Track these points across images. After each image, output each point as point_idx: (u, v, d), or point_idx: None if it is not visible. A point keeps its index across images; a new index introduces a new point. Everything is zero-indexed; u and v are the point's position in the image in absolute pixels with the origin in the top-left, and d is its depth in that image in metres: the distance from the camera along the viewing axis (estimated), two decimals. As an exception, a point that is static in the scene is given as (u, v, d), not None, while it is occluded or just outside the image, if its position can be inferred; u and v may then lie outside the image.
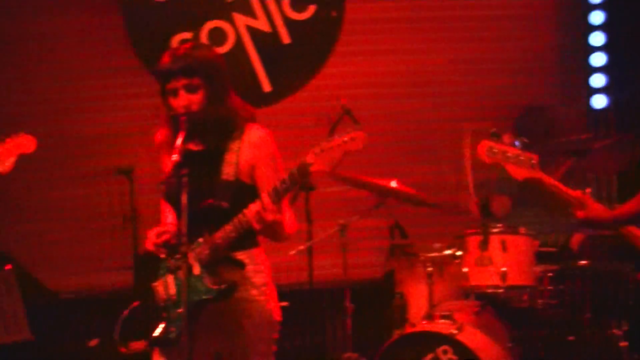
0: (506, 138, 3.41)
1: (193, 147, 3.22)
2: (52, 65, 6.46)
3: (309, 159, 3.00)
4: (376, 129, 6.02)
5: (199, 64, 3.19)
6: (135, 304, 3.42)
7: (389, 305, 5.00)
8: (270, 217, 3.05)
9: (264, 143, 3.27)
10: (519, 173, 3.44)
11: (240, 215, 3.09)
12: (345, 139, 2.99)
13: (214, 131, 3.23)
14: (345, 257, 4.69)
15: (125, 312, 3.56)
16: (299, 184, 3.07)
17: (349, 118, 5.03)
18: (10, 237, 6.41)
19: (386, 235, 5.06)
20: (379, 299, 5.45)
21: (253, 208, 3.06)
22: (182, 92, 3.19)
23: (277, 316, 3.35)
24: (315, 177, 3.20)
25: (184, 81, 3.18)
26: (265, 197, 3.04)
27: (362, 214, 4.88)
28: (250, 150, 3.24)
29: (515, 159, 3.39)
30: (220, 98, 3.22)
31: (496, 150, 3.43)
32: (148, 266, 3.35)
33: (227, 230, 3.12)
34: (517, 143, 3.44)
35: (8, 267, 5.83)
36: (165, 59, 3.23)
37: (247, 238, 3.23)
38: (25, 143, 3.43)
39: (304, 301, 5.51)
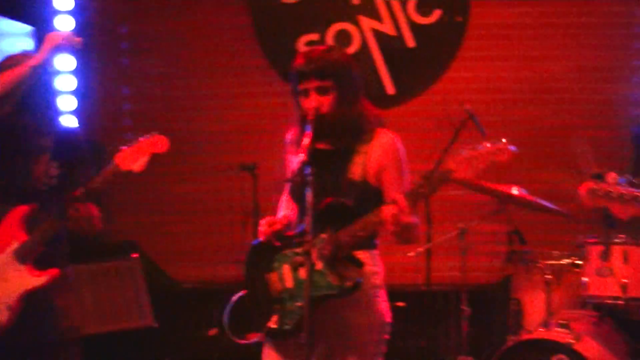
0: (610, 177, 3.21)
1: (322, 146, 3.27)
2: (182, 64, 6.70)
3: (451, 165, 2.96)
4: (497, 134, 5.97)
5: (332, 67, 3.22)
6: (243, 292, 3.47)
7: (504, 310, 4.97)
8: (406, 219, 3.01)
9: (393, 147, 3.28)
10: (625, 212, 3.22)
11: (371, 215, 3.08)
12: (492, 149, 2.94)
13: (343, 133, 3.26)
14: (464, 260, 4.69)
15: (232, 301, 3.57)
16: (437, 190, 3.01)
17: (472, 123, 5.01)
18: (138, 228, 6.67)
19: (505, 240, 5.03)
20: (494, 304, 5.44)
21: (389, 210, 3.02)
22: (313, 94, 3.22)
23: (388, 317, 3.35)
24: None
25: (315, 83, 3.21)
26: (402, 200, 3.01)
27: (482, 219, 4.87)
28: (380, 154, 3.26)
29: (620, 198, 3.09)
30: (350, 102, 3.24)
31: (599, 192, 3.21)
32: (260, 257, 3.38)
33: (355, 229, 3.11)
34: (621, 180, 3.26)
35: (135, 255, 6.07)
36: (299, 60, 3.26)
37: (367, 238, 3.23)
38: (158, 143, 3.47)
39: (420, 302, 5.54)
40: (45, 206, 3.54)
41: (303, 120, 3.26)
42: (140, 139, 3.43)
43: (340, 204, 3.18)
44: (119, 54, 6.76)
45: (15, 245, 3.53)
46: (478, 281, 5.90)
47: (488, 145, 2.94)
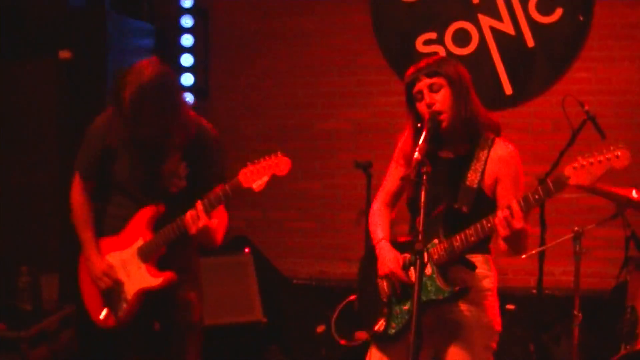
0: None
1: (439, 152, 3.34)
2: (304, 61, 6.83)
3: (567, 172, 2.95)
4: (617, 137, 5.86)
5: (440, 65, 3.32)
6: (352, 298, 3.52)
7: (618, 318, 4.88)
8: (517, 225, 3.00)
9: (511, 159, 3.30)
10: None
11: (484, 221, 3.11)
12: (609, 156, 2.88)
13: (460, 134, 3.32)
14: (578, 265, 4.62)
15: (341, 305, 3.64)
16: (552, 196, 3.01)
17: (592, 125, 4.93)
18: (251, 223, 6.85)
19: (621, 246, 4.94)
20: (608, 311, 5.34)
21: (501, 214, 3.04)
22: (426, 92, 3.30)
23: (497, 325, 3.37)
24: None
25: (427, 81, 3.30)
26: (515, 205, 3.02)
27: (598, 223, 4.79)
28: (497, 164, 3.28)
29: None
30: (464, 98, 3.29)
31: None
32: (375, 260, 3.44)
33: (467, 234, 3.14)
34: None
35: (247, 250, 6.21)
36: (409, 71, 3.37)
37: (480, 243, 3.24)
38: (281, 165, 3.43)
39: (530, 306, 5.49)
40: (174, 208, 3.63)
41: (417, 131, 3.32)
42: (266, 157, 3.47)
43: (455, 210, 3.23)
44: (238, 50, 6.94)
45: (140, 243, 3.72)
46: (592, 287, 5.84)
47: (606, 150, 2.90)
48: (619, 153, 2.88)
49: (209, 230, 3.56)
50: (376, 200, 3.65)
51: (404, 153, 3.49)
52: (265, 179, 3.44)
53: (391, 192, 3.60)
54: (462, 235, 3.15)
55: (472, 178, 3.27)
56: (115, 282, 3.72)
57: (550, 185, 2.98)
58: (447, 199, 3.25)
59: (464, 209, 3.22)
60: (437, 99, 3.28)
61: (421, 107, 3.33)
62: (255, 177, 3.45)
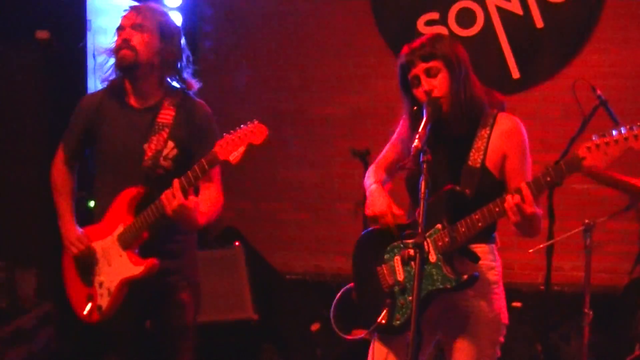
0: None
1: (439, 133, 3.27)
2: (295, 42, 6.81)
3: (581, 153, 2.88)
4: (632, 123, 5.85)
5: (436, 48, 3.26)
6: (350, 285, 3.49)
7: (632, 316, 4.87)
8: (528, 209, 2.97)
9: (515, 132, 3.27)
10: None
11: (491, 205, 3.06)
12: (626, 135, 2.82)
13: (460, 116, 3.27)
14: (588, 260, 4.60)
15: (339, 294, 3.60)
16: (565, 178, 2.95)
17: (604, 111, 4.90)
18: (242, 215, 6.81)
19: (635, 240, 4.93)
20: (621, 308, 5.33)
21: (512, 200, 2.99)
22: (423, 78, 3.26)
23: (505, 319, 3.34)
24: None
25: (423, 65, 3.26)
26: (526, 189, 2.98)
27: (610, 215, 4.77)
28: (501, 139, 3.25)
29: None
30: (463, 81, 3.25)
31: None
32: (369, 248, 3.41)
33: (474, 219, 3.10)
34: None
35: (237, 244, 6.17)
36: (403, 52, 3.33)
37: (484, 231, 3.21)
38: (256, 133, 3.35)
39: (538, 303, 5.48)
40: (160, 192, 3.51)
41: (414, 115, 3.28)
42: (242, 126, 3.39)
43: (458, 193, 3.19)
44: (231, 31, 6.90)
45: (120, 229, 3.62)
46: (603, 283, 5.81)
47: (622, 130, 2.83)
48: (637, 132, 2.80)
49: (186, 210, 3.44)
50: (374, 163, 3.60)
51: (401, 138, 3.46)
52: (242, 149, 3.36)
53: (391, 159, 3.55)
54: (468, 221, 3.11)
55: (474, 157, 3.24)
56: (88, 249, 3.68)
57: (563, 166, 2.92)
58: (449, 180, 3.21)
59: (467, 191, 3.17)
60: (435, 84, 3.25)
61: (418, 92, 3.29)
62: (231, 147, 3.37)
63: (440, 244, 3.17)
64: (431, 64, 3.25)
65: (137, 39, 3.59)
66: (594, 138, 2.87)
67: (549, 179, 2.96)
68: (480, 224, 3.09)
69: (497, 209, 3.05)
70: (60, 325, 5.26)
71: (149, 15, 3.64)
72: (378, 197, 3.35)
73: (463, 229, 3.13)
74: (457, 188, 3.19)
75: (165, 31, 3.67)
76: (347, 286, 3.50)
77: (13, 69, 5.57)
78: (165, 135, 3.63)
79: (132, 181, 3.62)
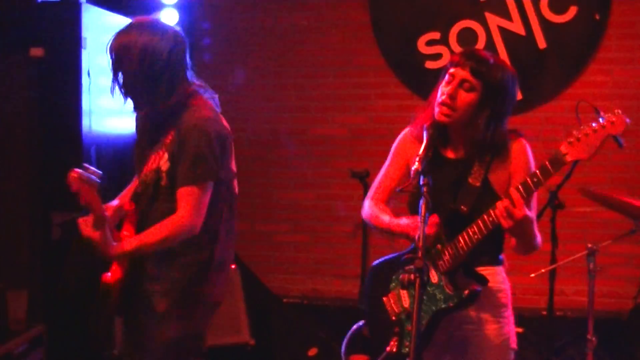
0: None
1: (446, 154, 3.32)
2: (293, 61, 6.78)
3: (563, 149, 2.96)
4: (637, 145, 5.86)
5: (490, 74, 3.22)
6: (362, 322, 3.50)
7: (636, 342, 4.85)
8: (519, 213, 2.99)
9: (521, 153, 3.29)
10: None
11: (484, 216, 3.09)
12: (604, 123, 2.94)
13: (467, 141, 3.29)
14: (592, 284, 4.59)
15: (353, 330, 3.62)
16: (552, 176, 3.01)
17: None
18: (240, 236, 6.70)
19: (639, 264, 4.91)
20: (626, 334, 5.31)
21: (501, 204, 3.03)
22: (455, 83, 3.24)
23: (513, 343, 3.34)
24: (570, 168, 3.09)
25: (465, 75, 3.23)
26: (514, 192, 3.01)
27: (614, 239, 4.76)
28: (507, 159, 3.27)
29: None
30: (499, 119, 3.24)
31: None
32: (378, 279, 3.45)
33: (470, 233, 3.12)
34: None
35: (233, 266, 6.15)
36: (463, 51, 3.32)
37: (490, 252, 3.27)
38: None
39: (541, 329, 5.46)
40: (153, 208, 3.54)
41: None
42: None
43: (453, 210, 3.20)
44: (225, 49, 6.90)
45: None
46: (608, 308, 5.79)
47: (600, 120, 2.95)
48: (615, 119, 2.95)
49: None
50: (370, 197, 3.57)
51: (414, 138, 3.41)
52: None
53: (388, 189, 3.53)
54: (465, 235, 3.14)
55: (475, 176, 3.25)
56: None
57: (549, 165, 2.99)
58: (449, 200, 3.23)
59: (463, 208, 3.17)
60: (459, 97, 3.22)
61: (441, 87, 3.28)
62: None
63: (440, 263, 3.19)
64: (473, 81, 3.22)
65: None
66: (574, 132, 2.97)
67: (535, 180, 3.02)
68: (477, 236, 3.12)
69: (490, 219, 3.08)
70: (51, 348, 5.23)
71: None
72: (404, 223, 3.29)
73: (461, 244, 3.15)
74: (452, 205, 3.19)
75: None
76: (358, 324, 3.52)
77: (6, 86, 5.56)
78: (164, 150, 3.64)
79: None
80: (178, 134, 3.48)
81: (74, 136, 5.36)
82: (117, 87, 3.50)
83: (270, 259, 6.80)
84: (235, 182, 3.74)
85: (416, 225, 3.15)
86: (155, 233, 3.46)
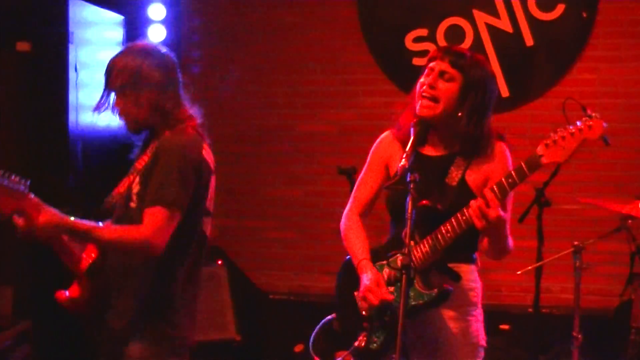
0: None
1: (427, 152, 3.32)
2: (280, 57, 6.78)
3: (539, 150, 2.98)
4: (624, 143, 5.88)
5: (469, 67, 3.26)
6: (333, 316, 3.51)
7: (622, 340, 4.87)
8: (493, 213, 2.99)
9: (501, 155, 3.30)
10: None
11: (458, 214, 3.09)
12: (581, 127, 2.94)
13: (448, 138, 3.30)
14: (578, 282, 4.61)
15: (320, 324, 3.62)
16: (527, 178, 3.02)
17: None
18: (224, 233, 6.75)
19: (626, 261, 4.93)
20: (611, 332, 5.33)
21: (475, 204, 3.03)
22: (435, 74, 3.26)
23: (482, 340, 3.35)
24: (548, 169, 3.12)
25: (445, 66, 3.26)
26: (488, 192, 3.02)
27: (600, 236, 4.78)
28: (485, 161, 3.28)
29: None
30: (481, 113, 3.26)
31: None
32: (350, 273, 3.42)
33: (442, 231, 3.13)
34: None
35: (219, 262, 6.15)
36: (440, 47, 3.39)
37: (464, 250, 3.28)
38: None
39: (527, 326, 5.47)
40: None
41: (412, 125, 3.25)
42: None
43: (429, 208, 3.16)
44: (213, 45, 6.90)
45: None
46: (594, 305, 5.82)
47: (578, 123, 2.95)
48: (591, 123, 2.94)
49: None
50: (348, 209, 3.59)
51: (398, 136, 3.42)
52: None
53: (365, 200, 3.54)
54: (438, 234, 3.14)
55: (452, 176, 3.27)
56: None
57: (524, 167, 3.00)
58: (425, 198, 3.17)
59: (439, 206, 3.17)
60: (441, 87, 3.25)
61: (421, 81, 3.30)
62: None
63: (413, 260, 3.11)
64: (452, 71, 3.25)
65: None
66: (551, 134, 2.96)
67: (510, 181, 3.02)
68: (449, 234, 3.12)
69: (464, 217, 3.08)
70: (37, 344, 5.21)
71: None
72: (367, 275, 3.26)
73: (433, 243, 3.16)
74: (428, 203, 3.16)
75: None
76: (328, 317, 3.52)
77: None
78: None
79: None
80: (154, 156, 3.34)
81: (60, 131, 5.36)
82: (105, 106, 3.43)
83: (258, 255, 6.79)
84: (209, 223, 3.50)
85: (370, 292, 3.17)
86: (111, 230, 3.31)
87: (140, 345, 3.36)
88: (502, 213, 3.04)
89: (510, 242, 3.24)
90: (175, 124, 3.38)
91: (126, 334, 3.37)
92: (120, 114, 3.41)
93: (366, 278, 3.26)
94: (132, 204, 3.36)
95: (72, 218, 3.22)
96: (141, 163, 3.41)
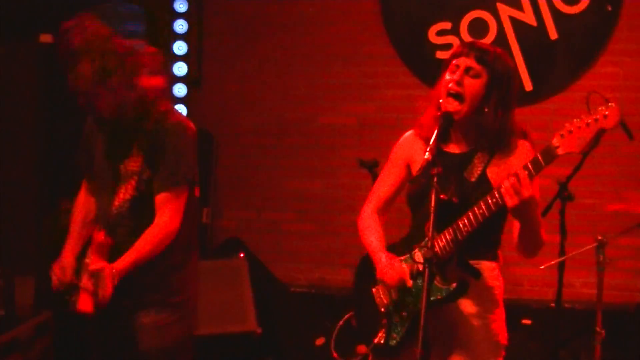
0: None
1: (450, 149, 3.31)
2: (301, 50, 6.80)
3: (555, 141, 2.95)
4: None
5: (494, 62, 3.25)
6: (350, 314, 3.50)
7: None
8: (526, 192, 2.94)
9: (523, 151, 3.26)
10: None
11: (488, 197, 3.05)
12: (597, 116, 2.90)
13: (471, 135, 3.29)
14: (601, 276, 4.59)
15: (340, 322, 3.63)
16: (543, 169, 2.97)
17: (618, 125, 4.89)
18: (247, 225, 6.80)
19: (648, 257, 4.92)
20: (634, 327, 5.31)
21: (508, 182, 2.97)
22: (461, 70, 3.24)
23: (504, 339, 3.32)
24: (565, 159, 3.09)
25: (470, 62, 3.24)
26: (522, 171, 2.97)
27: (623, 231, 4.76)
28: (508, 157, 3.25)
29: None
30: (506, 107, 3.25)
31: None
32: (368, 271, 3.42)
33: (465, 221, 3.09)
34: None
35: (241, 254, 6.17)
36: (464, 43, 3.34)
37: (485, 246, 3.26)
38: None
39: (548, 321, 5.46)
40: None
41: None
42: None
43: (445, 202, 3.12)
44: (234, 37, 6.91)
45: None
46: (616, 301, 5.79)
47: (594, 113, 2.92)
48: (607, 112, 2.89)
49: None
50: (367, 204, 3.60)
51: (423, 134, 3.39)
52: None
53: (384, 198, 3.55)
54: (460, 224, 3.10)
55: (473, 171, 3.25)
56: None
57: (540, 158, 2.96)
58: (444, 193, 3.14)
59: (455, 199, 3.15)
60: (467, 83, 3.23)
61: (446, 78, 3.28)
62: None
63: (430, 255, 3.10)
64: (478, 67, 3.24)
65: None
66: (566, 124, 2.94)
67: (527, 172, 2.97)
68: (477, 219, 3.07)
69: (493, 200, 3.03)
70: (58, 335, 5.25)
71: None
72: (391, 267, 3.29)
73: (450, 235, 3.13)
74: (444, 197, 3.12)
75: None
76: (347, 315, 3.52)
77: (16, 73, 5.59)
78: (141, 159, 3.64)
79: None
80: (153, 139, 3.47)
81: (82, 123, 5.37)
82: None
83: (278, 248, 6.81)
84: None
85: (391, 271, 3.23)
86: (146, 245, 3.45)
87: (147, 312, 3.56)
88: (534, 193, 3.01)
89: (543, 233, 3.21)
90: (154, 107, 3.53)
91: (137, 306, 3.56)
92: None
93: (383, 257, 3.30)
94: (141, 197, 3.49)
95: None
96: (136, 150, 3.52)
